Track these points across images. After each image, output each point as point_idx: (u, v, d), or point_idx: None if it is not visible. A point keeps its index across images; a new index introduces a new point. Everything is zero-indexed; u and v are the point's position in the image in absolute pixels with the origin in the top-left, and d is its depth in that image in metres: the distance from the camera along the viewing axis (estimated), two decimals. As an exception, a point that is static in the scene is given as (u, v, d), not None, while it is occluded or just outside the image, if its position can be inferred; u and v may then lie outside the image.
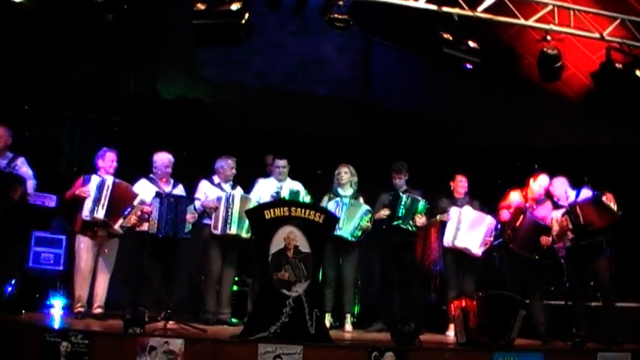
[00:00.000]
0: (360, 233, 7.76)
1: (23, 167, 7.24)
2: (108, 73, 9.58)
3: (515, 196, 7.86)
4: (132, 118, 9.49)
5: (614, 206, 7.23)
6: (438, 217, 8.08)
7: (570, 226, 7.30)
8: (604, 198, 7.22)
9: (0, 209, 6.86)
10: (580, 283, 7.55)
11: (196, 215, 7.41)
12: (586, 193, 7.51)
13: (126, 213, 7.12)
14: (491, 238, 7.88)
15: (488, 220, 7.87)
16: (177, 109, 9.77)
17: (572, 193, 7.62)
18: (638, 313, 8.11)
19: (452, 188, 8.14)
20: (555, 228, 7.50)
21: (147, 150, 7.74)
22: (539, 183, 7.75)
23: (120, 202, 7.14)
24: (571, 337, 6.87)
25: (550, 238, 7.56)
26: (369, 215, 7.81)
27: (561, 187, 7.65)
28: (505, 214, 7.82)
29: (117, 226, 7.15)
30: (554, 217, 7.53)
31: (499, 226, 8.14)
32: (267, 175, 8.23)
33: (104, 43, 9.37)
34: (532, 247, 7.57)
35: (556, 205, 7.70)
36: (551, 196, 7.80)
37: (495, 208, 8.17)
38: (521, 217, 7.56)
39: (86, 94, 9.30)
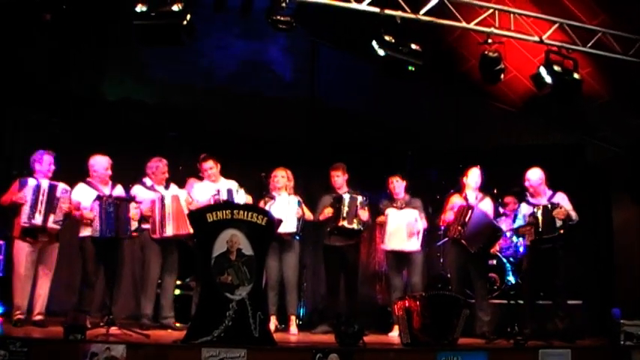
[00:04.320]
0: (298, 221, 7.78)
1: None
2: (50, 73, 9.37)
3: (456, 200, 7.98)
4: (75, 120, 9.31)
5: (558, 221, 7.38)
6: (377, 220, 8.15)
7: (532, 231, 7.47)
8: (554, 211, 7.38)
9: None
10: (535, 281, 7.68)
11: (139, 211, 7.30)
12: (560, 196, 7.63)
13: (55, 206, 7.02)
14: (417, 228, 7.93)
15: (411, 214, 7.96)
16: (121, 110, 9.61)
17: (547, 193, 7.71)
18: (580, 311, 8.30)
19: (389, 191, 8.22)
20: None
21: (89, 152, 7.61)
22: (472, 176, 7.90)
23: (57, 205, 7.05)
24: (513, 335, 6.99)
25: (498, 247, 7.71)
26: (297, 202, 7.85)
27: (537, 176, 7.74)
28: (449, 215, 7.91)
29: (50, 224, 7.03)
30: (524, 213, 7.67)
31: (443, 227, 8.26)
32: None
33: (47, 43, 9.17)
34: (479, 245, 7.68)
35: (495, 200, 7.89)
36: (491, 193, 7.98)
37: (440, 208, 8.29)
38: (469, 211, 7.69)
39: (28, 94, 9.09)
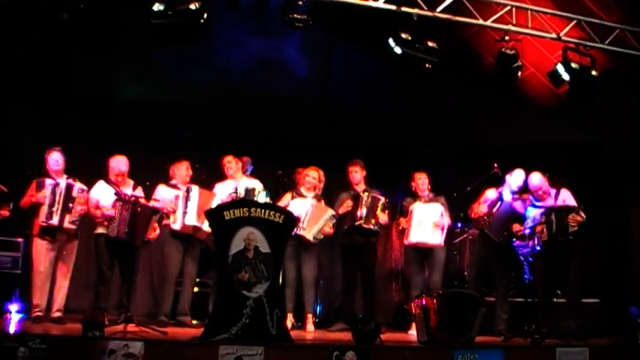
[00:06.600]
0: (321, 237, 7.78)
1: None
2: (62, 73, 9.39)
3: (491, 194, 7.94)
4: (88, 120, 9.32)
5: (572, 228, 7.31)
6: (402, 220, 8.12)
7: (545, 231, 7.40)
8: (570, 216, 7.30)
9: None
10: (548, 279, 7.64)
11: (158, 231, 7.33)
12: (565, 194, 7.58)
13: (70, 207, 7.05)
14: (441, 222, 7.90)
15: (436, 208, 7.94)
16: (134, 110, 9.60)
17: (552, 193, 7.64)
18: (597, 310, 8.26)
19: (413, 188, 8.19)
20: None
21: (102, 152, 7.64)
22: (516, 178, 7.83)
23: (73, 206, 7.08)
24: (530, 333, 6.95)
25: (522, 227, 7.65)
26: (334, 221, 7.84)
27: (539, 180, 7.67)
28: (483, 208, 7.87)
29: (67, 224, 7.06)
30: (532, 216, 7.60)
31: (464, 228, 8.24)
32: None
33: (58, 42, 9.19)
34: (503, 232, 7.66)
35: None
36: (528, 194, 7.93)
37: (456, 205, 8.26)
38: (499, 203, 7.71)
39: (40, 94, 9.12)
